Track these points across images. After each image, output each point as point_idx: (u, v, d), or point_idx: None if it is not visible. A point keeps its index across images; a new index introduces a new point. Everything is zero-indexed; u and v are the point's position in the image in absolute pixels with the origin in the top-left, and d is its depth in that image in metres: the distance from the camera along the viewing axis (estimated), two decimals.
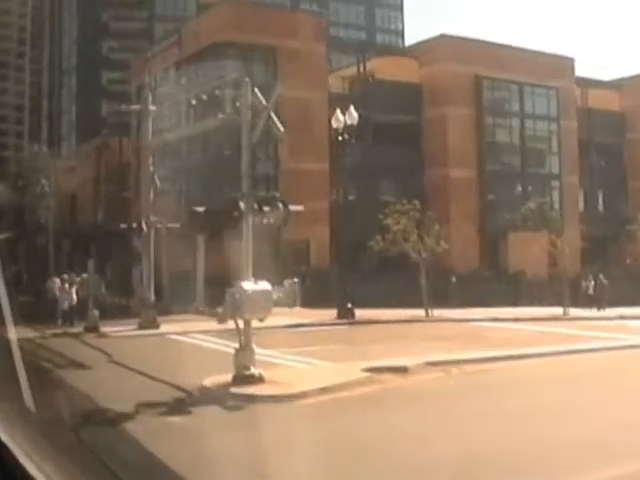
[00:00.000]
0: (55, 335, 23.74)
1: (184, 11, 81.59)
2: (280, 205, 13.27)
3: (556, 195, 46.35)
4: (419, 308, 31.58)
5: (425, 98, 42.96)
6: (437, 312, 31.11)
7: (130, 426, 11.62)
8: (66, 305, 27.46)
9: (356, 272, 35.53)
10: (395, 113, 41.10)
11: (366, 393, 14.22)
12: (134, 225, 25.29)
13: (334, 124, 27.91)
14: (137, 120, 36.83)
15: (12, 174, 68.24)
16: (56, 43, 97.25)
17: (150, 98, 25.15)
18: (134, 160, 44.48)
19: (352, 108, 27.71)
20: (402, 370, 16.06)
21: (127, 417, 11.96)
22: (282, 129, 13.81)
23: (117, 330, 24.38)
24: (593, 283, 39.43)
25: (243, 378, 13.55)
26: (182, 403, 12.96)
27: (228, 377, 14.14)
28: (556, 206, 46.34)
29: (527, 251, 41.86)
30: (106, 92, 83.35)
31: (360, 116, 29.04)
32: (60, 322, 27.23)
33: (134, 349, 20.23)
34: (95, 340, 22.26)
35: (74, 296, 27.16)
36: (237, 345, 20.33)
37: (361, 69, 41.93)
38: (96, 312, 25.02)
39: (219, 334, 23.97)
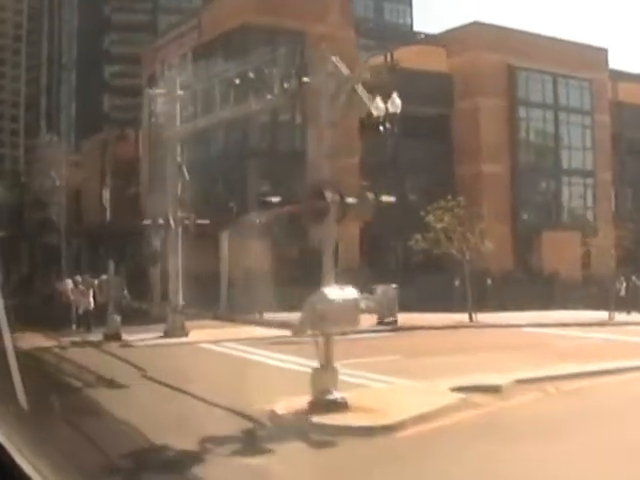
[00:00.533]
0: (73, 344, 21.29)
1: (189, 3, 78.95)
2: (371, 196, 10.86)
3: (590, 193, 44.00)
4: (456, 312, 29.72)
5: (456, 88, 40.50)
6: (478, 316, 29.08)
7: (197, 470, 9.21)
8: (81, 309, 24.92)
9: (386, 273, 33.38)
10: (423, 104, 38.53)
11: (466, 420, 11.91)
12: (160, 221, 22.70)
13: (375, 112, 25.24)
14: (148, 110, 34.39)
15: (14, 171, 65.96)
16: (55, 37, 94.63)
17: (178, 82, 22.70)
18: (145, 152, 42.12)
19: (395, 94, 25.14)
20: (494, 390, 13.80)
21: (190, 458, 9.48)
22: (369, 104, 11.49)
23: (141, 338, 21.88)
24: (625, 285, 37.68)
25: (324, 404, 11.12)
26: (254, 436, 10.53)
27: (301, 401, 11.73)
28: (590, 204, 44.06)
29: (562, 251, 39.74)
30: (108, 86, 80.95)
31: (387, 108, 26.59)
32: (74, 328, 24.74)
33: (169, 362, 17.73)
34: (120, 350, 19.78)
35: (91, 299, 24.55)
36: (283, 356, 18.23)
37: (388, 57, 39.46)
38: (117, 317, 22.51)
39: (253, 343, 21.77)
